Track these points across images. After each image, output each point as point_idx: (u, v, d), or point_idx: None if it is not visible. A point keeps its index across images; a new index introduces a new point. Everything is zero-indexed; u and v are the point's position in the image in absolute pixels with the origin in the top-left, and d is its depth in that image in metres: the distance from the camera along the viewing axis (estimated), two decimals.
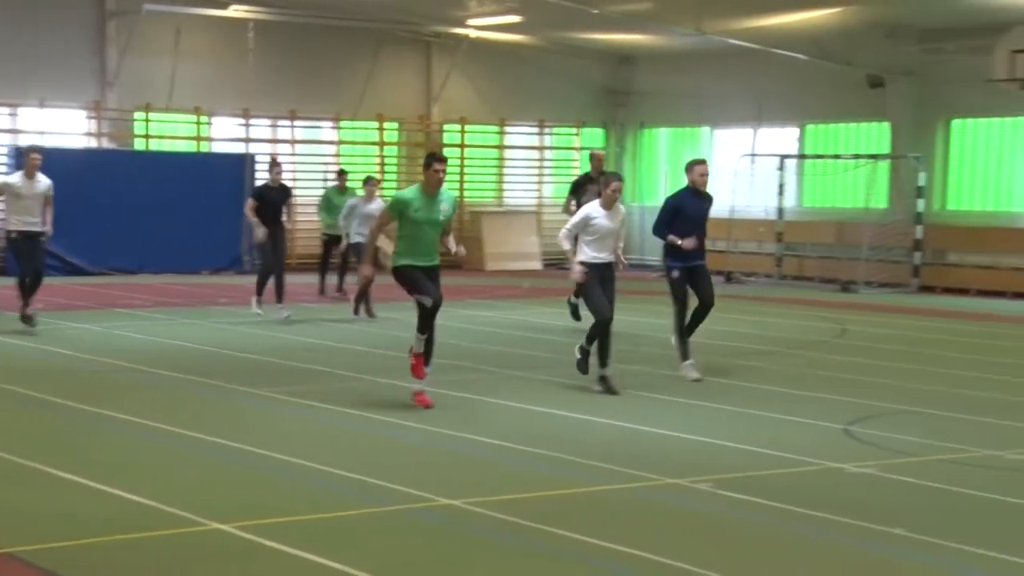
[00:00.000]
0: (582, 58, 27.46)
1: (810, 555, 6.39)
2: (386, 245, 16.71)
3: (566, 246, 11.14)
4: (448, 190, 9.99)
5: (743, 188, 25.16)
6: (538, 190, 28.14)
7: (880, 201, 23.49)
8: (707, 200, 11.75)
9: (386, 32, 25.38)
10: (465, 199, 26.79)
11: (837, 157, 24.08)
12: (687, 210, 11.58)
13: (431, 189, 9.78)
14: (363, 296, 15.93)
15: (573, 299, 15.00)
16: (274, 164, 15.94)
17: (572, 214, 15.40)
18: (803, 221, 24.73)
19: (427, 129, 26.70)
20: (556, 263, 27.46)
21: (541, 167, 28.32)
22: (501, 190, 27.88)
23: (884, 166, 23.56)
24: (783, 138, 25.88)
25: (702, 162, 11.81)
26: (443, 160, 9.84)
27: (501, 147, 27.86)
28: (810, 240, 24.31)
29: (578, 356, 11.05)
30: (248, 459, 8.14)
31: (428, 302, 9.72)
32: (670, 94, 27.36)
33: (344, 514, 6.88)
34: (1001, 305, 20.06)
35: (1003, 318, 18.19)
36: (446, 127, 26.87)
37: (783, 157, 24.50)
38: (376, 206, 16.11)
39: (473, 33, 25.56)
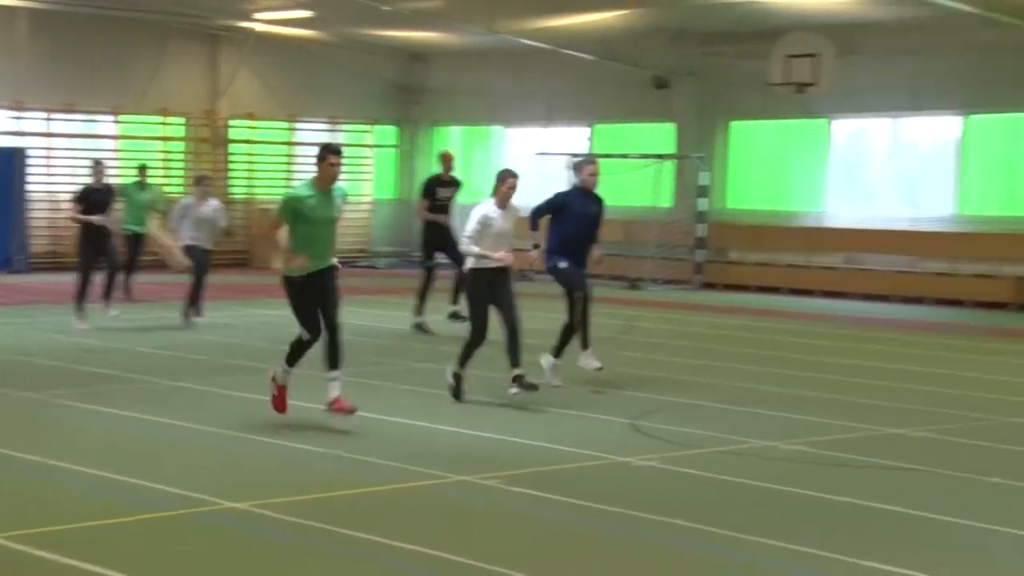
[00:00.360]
0: (374, 54, 27.29)
1: (596, 547, 6.47)
2: (163, 236, 16.01)
3: (475, 251, 10.16)
4: (339, 184, 9.22)
5: (534, 186, 25.43)
6: None
7: (665, 200, 24.12)
8: (596, 202, 11.12)
9: (170, 24, 24.64)
10: (254, 196, 26.36)
11: (625, 156, 24.57)
12: (573, 207, 10.95)
13: (325, 184, 9.06)
14: (196, 299, 15.09)
15: (452, 307, 14.76)
16: (97, 164, 15.30)
17: (425, 216, 14.89)
18: None
19: (214, 124, 26.08)
20: (348, 261, 27.24)
21: None
22: (291, 187, 27.45)
23: (669, 166, 24.19)
24: (573, 137, 26.29)
25: (592, 161, 11.27)
26: (338, 152, 9.09)
27: (291, 143, 27.45)
28: (601, 238, 24.70)
29: (450, 382, 10.30)
30: (18, 465, 7.75)
31: (306, 336, 9.04)
32: (463, 92, 27.45)
33: (124, 520, 6.62)
34: (779, 301, 20.83)
35: (782, 314, 18.89)
36: (234, 122, 26.30)
37: (573, 156, 24.88)
38: (211, 207, 15.16)
39: (261, 27, 25.09)
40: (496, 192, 10.28)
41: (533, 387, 10.16)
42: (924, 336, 16.35)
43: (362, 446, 8.51)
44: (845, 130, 23.14)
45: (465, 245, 10.23)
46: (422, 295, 14.97)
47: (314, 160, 9.23)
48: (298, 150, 27.56)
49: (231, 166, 26.38)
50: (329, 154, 9.06)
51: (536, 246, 10.99)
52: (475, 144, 28.28)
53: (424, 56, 27.97)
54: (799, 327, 17.17)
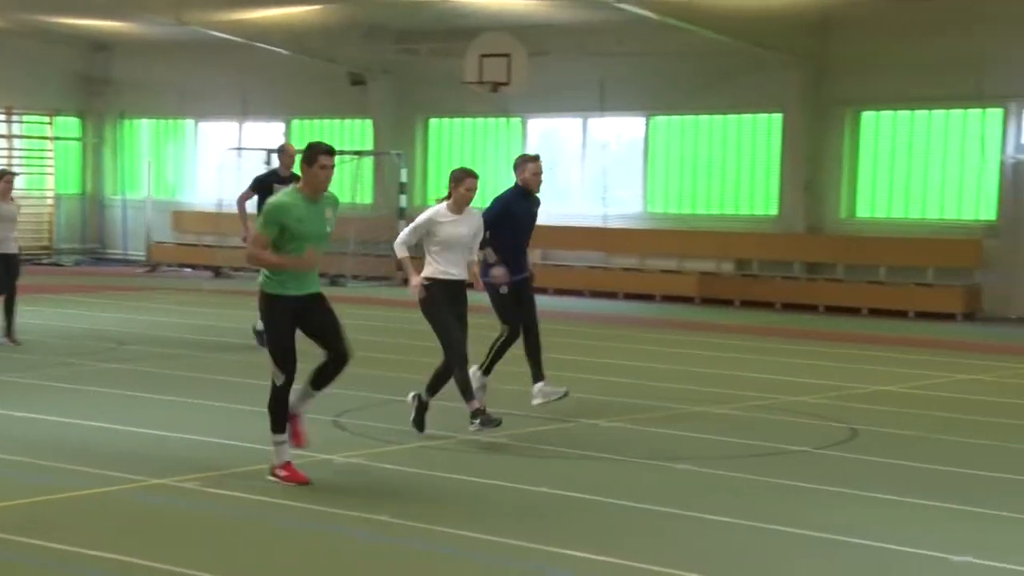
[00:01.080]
0: (53, 43, 25.97)
1: (299, 546, 6.34)
2: None
3: (401, 254, 8.96)
4: (330, 192, 7.65)
5: (230, 182, 24.92)
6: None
7: (365, 196, 24.06)
8: (536, 203, 10.06)
9: None
10: None
11: None
12: (516, 213, 9.81)
13: (314, 191, 7.47)
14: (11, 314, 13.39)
15: (258, 326, 13.50)
16: None
17: (243, 211, 13.39)
18: None
19: None
20: (31, 258, 25.82)
21: (10, 157, 26.49)
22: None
23: (368, 162, 24.16)
24: (270, 132, 25.87)
25: (535, 159, 9.95)
26: (331, 152, 7.49)
27: None
28: None
29: (413, 407, 9.01)
30: None
31: (280, 380, 7.41)
32: (152, 84, 26.55)
33: None
34: (478, 296, 21.10)
35: (482, 309, 19.12)
36: None
37: (269, 151, 24.44)
38: (10, 208, 13.47)
39: None
40: (451, 194, 8.96)
41: (496, 422, 8.95)
42: (618, 330, 16.94)
43: (53, 451, 8.05)
44: (539, 129, 23.74)
45: (397, 243, 9.02)
46: None
47: (302, 161, 7.50)
48: None
49: None
50: (319, 154, 7.43)
51: (498, 262, 9.78)
52: (166, 137, 27.42)
53: (108, 46, 26.87)
54: (498, 322, 17.45)
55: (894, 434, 9.73)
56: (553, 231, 22.66)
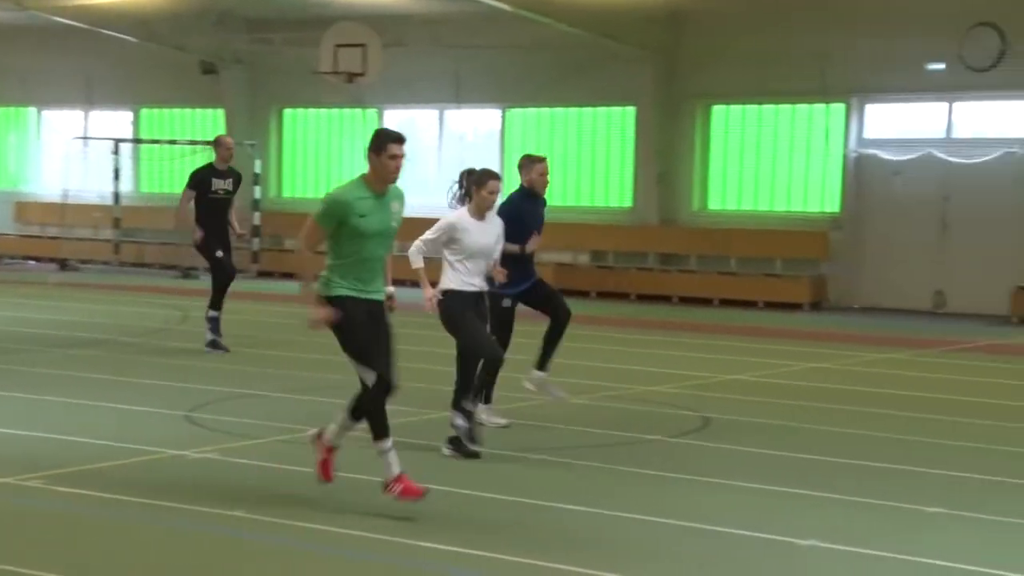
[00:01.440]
0: None
1: (153, 544, 6.22)
2: None
3: (417, 264, 8.37)
4: (396, 186, 7.00)
5: (76, 172, 24.27)
6: None
7: None
8: (542, 205, 9.68)
9: None
10: None
11: (173, 142, 23.89)
12: (525, 217, 9.36)
13: (380, 184, 6.88)
14: None
15: (208, 336, 12.74)
16: None
17: (187, 212, 12.85)
18: (141, 207, 24.29)
19: None
20: None
21: None
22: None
23: None
24: (117, 121, 25.24)
25: (542, 159, 9.51)
26: (402, 140, 6.86)
27: None
28: (149, 226, 23.94)
29: (461, 424, 8.31)
30: None
31: (371, 379, 6.80)
32: None
33: None
34: None
35: None
36: None
37: (117, 141, 23.89)
38: None
39: None
40: (473, 198, 8.38)
41: (475, 454, 8.32)
42: None
43: None
44: (395, 120, 23.63)
45: (412, 251, 8.41)
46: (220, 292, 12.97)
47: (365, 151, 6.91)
48: None
49: None
50: (389, 142, 6.81)
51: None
52: (7, 126, 26.56)
53: None
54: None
55: (745, 422, 9.96)
56: (410, 223, 22.46)
